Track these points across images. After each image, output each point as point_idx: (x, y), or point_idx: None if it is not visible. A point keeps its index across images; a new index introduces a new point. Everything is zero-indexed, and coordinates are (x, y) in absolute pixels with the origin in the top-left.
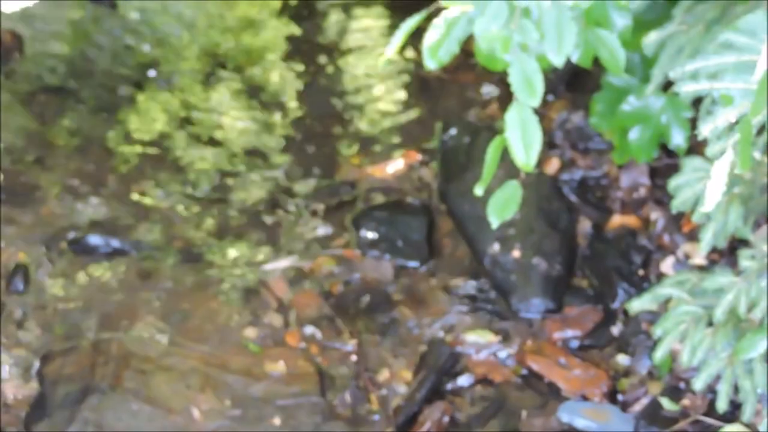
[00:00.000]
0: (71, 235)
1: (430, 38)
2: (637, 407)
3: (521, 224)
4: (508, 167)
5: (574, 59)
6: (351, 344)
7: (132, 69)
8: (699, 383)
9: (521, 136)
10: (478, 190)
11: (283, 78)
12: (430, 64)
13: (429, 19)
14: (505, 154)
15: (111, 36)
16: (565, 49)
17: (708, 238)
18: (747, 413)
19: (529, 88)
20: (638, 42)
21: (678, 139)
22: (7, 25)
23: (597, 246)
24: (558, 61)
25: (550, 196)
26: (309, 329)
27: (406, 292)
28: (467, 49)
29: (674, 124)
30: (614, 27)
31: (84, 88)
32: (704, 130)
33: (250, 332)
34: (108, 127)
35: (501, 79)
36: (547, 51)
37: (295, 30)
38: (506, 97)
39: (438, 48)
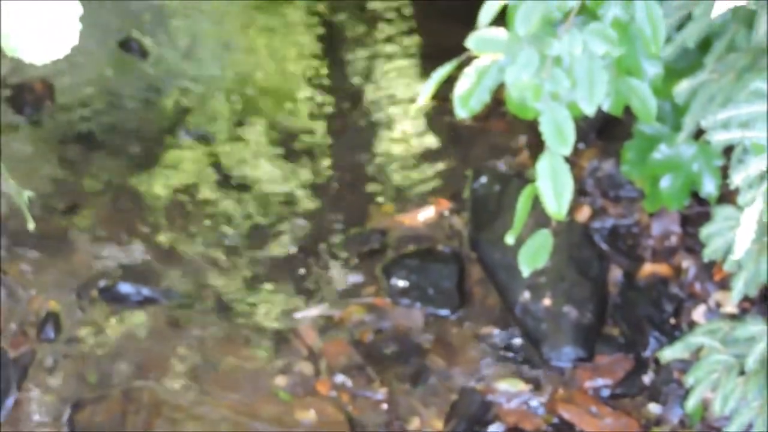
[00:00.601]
0: (102, 283)
1: (461, 87)
2: None
3: (552, 272)
4: (538, 215)
5: (606, 108)
6: (381, 393)
7: (162, 117)
8: None
9: (552, 185)
10: (510, 239)
11: (312, 125)
12: (462, 113)
13: (460, 67)
14: (535, 203)
15: (141, 84)
16: (596, 98)
17: (739, 287)
18: None
19: (560, 137)
20: (669, 90)
21: (709, 187)
22: (38, 73)
23: (628, 294)
24: (589, 110)
25: (580, 244)
26: (339, 378)
27: (436, 341)
28: (498, 97)
29: (706, 172)
30: (645, 75)
31: (114, 137)
32: (736, 178)
33: (281, 381)
34: (138, 175)
35: (531, 127)
36: (579, 100)
37: (325, 77)
38: (537, 145)
39: (469, 97)
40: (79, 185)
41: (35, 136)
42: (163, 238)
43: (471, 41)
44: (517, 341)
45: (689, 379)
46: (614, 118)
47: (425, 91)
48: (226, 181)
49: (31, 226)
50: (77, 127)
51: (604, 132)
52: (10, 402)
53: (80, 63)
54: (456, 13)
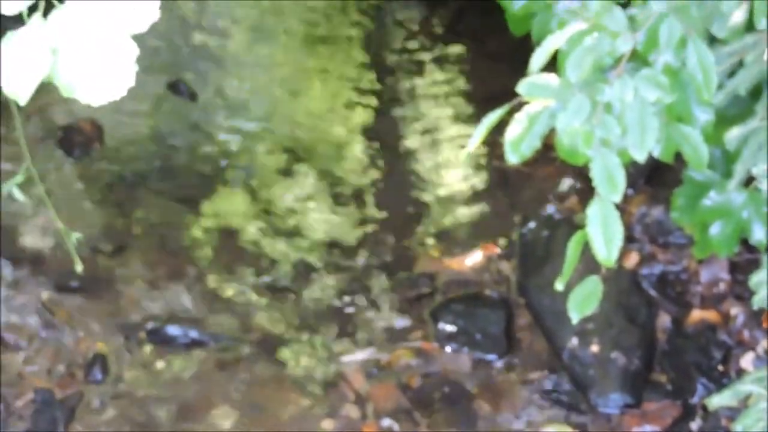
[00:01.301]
0: (150, 325)
1: (512, 133)
2: None
3: (600, 318)
4: (587, 261)
5: (656, 154)
6: None
7: (210, 160)
8: None
9: (602, 232)
10: (559, 286)
11: (359, 168)
12: (512, 158)
13: (510, 112)
14: (584, 248)
15: (190, 127)
16: (647, 144)
17: None
18: None
19: (610, 184)
20: (720, 137)
21: (759, 234)
22: (87, 114)
23: (676, 341)
24: (640, 157)
25: (629, 290)
26: (386, 422)
27: (484, 386)
28: (546, 141)
29: (756, 219)
30: (696, 122)
31: (162, 179)
32: None
33: (328, 424)
34: (186, 217)
35: (580, 172)
36: (630, 146)
37: (373, 121)
38: (585, 190)
39: (520, 143)
40: (126, 227)
41: (84, 177)
42: (210, 280)
43: (522, 87)
44: (565, 387)
45: (737, 427)
46: (663, 163)
47: (476, 136)
48: (274, 224)
49: (79, 268)
50: (125, 168)
51: (654, 178)
52: None
53: (129, 104)
54: (505, 56)
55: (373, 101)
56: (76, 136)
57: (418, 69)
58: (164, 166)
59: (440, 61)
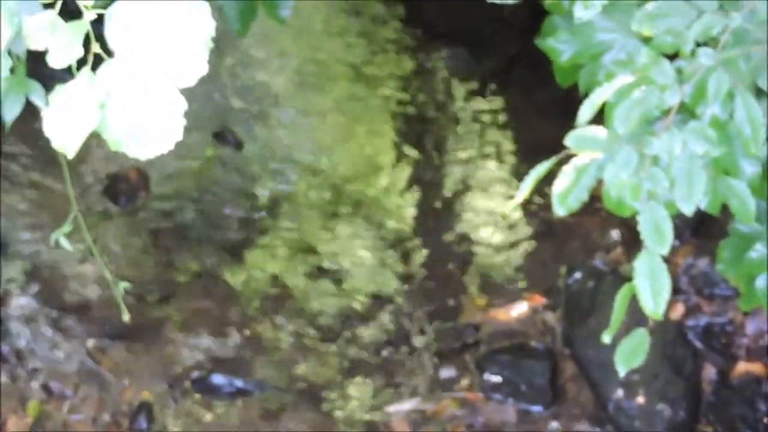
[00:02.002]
0: (195, 374)
1: (559, 185)
2: None
3: (646, 370)
4: (633, 312)
5: (703, 206)
6: None
7: (255, 208)
8: None
9: (650, 285)
10: (606, 338)
11: (404, 216)
12: (560, 211)
13: (558, 164)
14: (631, 300)
15: (235, 175)
16: (695, 197)
17: None
18: None
19: (658, 237)
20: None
21: None
22: (133, 163)
23: (722, 392)
24: (688, 210)
25: (674, 341)
26: None
27: None
28: (593, 192)
29: None
30: (744, 175)
31: (208, 228)
32: None
33: None
34: (230, 265)
35: (625, 223)
36: (677, 199)
37: (418, 170)
38: (631, 242)
39: (568, 195)
40: (171, 275)
41: (130, 225)
42: (255, 328)
43: (570, 139)
44: None
45: None
46: (709, 215)
47: (523, 188)
48: (318, 271)
49: (126, 317)
50: (171, 217)
51: (700, 229)
52: None
53: (175, 152)
54: (552, 107)
55: (418, 151)
56: (122, 184)
57: (465, 118)
58: (209, 215)
59: (487, 111)
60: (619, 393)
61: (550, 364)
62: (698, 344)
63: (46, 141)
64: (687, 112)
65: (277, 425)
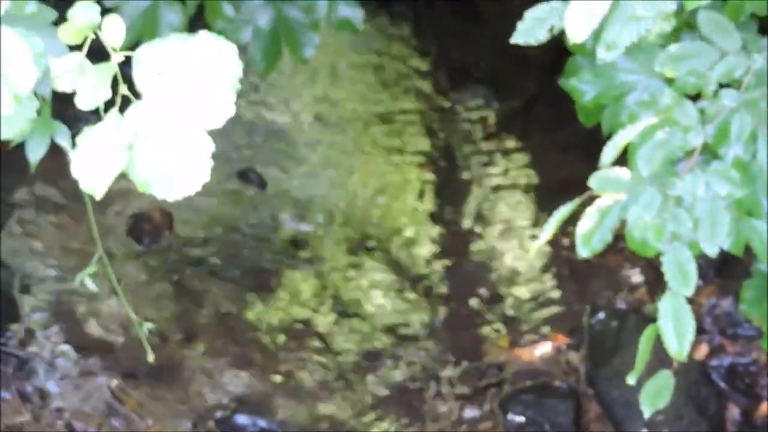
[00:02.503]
0: (218, 414)
1: (583, 226)
2: None
3: (669, 410)
4: (657, 353)
5: (726, 247)
6: None
7: (278, 247)
8: None
9: (674, 326)
10: (631, 380)
11: (428, 256)
12: (583, 252)
13: (581, 205)
14: (654, 340)
15: (259, 215)
16: (718, 238)
17: None
18: None
19: (682, 278)
20: None
21: None
22: (157, 203)
23: None
24: (711, 251)
25: (698, 381)
26: None
27: None
28: (616, 232)
29: None
30: (766, 216)
31: (231, 267)
32: None
33: None
34: (254, 304)
35: (648, 263)
36: (701, 240)
37: (441, 209)
38: (654, 281)
39: (591, 236)
40: (195, 315)
41: (153, 265)
42: (278, 367)
43: (593, 181)
44: None
45: None
46: (733, 255)
47: (547, 230)
48: (341, 311)
49: (150, 358)
50: (194, 256)
51: (723, 270)
52: None
53: (199, 192)
54: (576, 147)
55: (442, 190)
56: (146, 224)
57: (487, 158)
58: (233, 254)
59: (510, 151)
60: None
61: (573, 404)
62: (722, 384)
63: (71, 181)
64: (710, 152)
65: None
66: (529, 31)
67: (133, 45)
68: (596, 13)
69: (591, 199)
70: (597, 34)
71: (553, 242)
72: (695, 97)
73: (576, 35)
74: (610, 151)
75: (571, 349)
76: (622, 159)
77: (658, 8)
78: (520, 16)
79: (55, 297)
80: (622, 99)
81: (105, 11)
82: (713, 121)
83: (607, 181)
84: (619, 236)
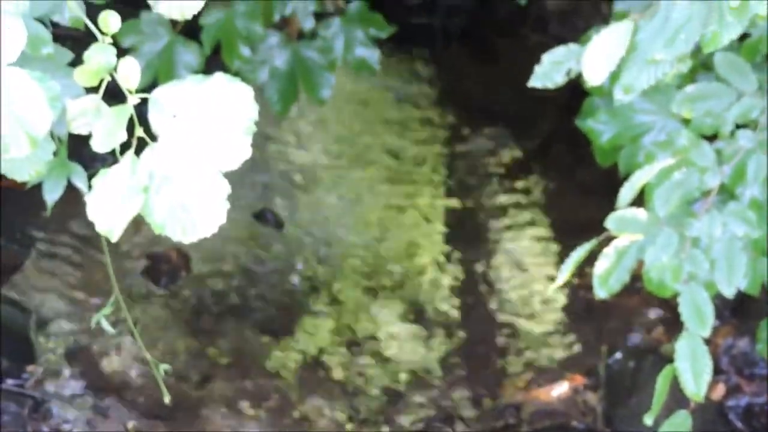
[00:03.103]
0: None
1: (600, 267)
2: None
3: None
4: (674, 393)
5: (743, 287)
6: None
7: (295, 288)
8: None
9: (691, 366)
10: (648, 420)
11: (445, 297)
12: (601, 293)
13: (598, 245)
14: (671, 380)
15: (276, 256)
16: (735, 279)
17: None
18: None
19: (699, 318)
20: None
21: None
22: (174, 243)
23: None
24: (728, 292)
25: (715, 421)
26: None
27: None
28: (633, 272)
29: None
30: None
31: (248, 308)
32: None
33: None
34: (270, 346)
35: (665, 303)
36: (718, 281)
37: (459, 250)
38: (671, 321)
39: (609, 277)
40: (212, 356)
41: (170, 306)
42: (295, 409)
43: (611, 222)
44: None
45: None
46: (750, 295)
47: (565, 270)
48: (358, 352)
49: (167, 399)
50: (211, 297)
51: (739, 309)
52: None
53: (216, 233)
54: (593, 187)
55: (458, 230)
56: (162, 265)
57: (505, 199)
58: (250, 295)
59: (526, 191)
60: None
61: None
62: (739, 424)
63: (88, 222)
64: (727, 193)
65: None
66: (547, 74)
67: (149, 85)
68: (614, 56)
69: (608, 240)
70: (614, 76)
71: (571, 282)
72: (712, 138)
73: (593, 79)
74: (627, 192)
75: (589, 389)
76: (640, 199)
77: (676, 51)
78: (536, 57)
79: (71, 337)
80: (639, 139)
81: (121, 52)
82: (730, 162)
83: (625, 222)
84: (636, 276)
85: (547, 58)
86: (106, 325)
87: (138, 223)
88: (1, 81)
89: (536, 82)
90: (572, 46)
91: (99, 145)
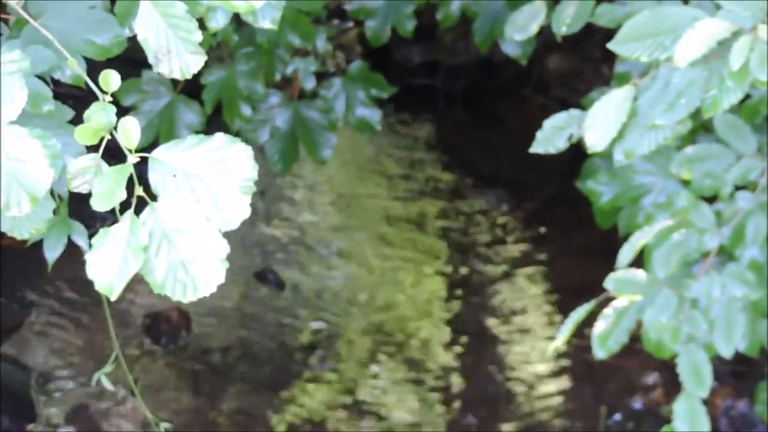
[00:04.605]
0: None
1: (599, 328)
2: None
3: None
4: None
5: (741, 348)
6: None
7: (296, 347)
8: None
9: (689, 428)
10: None
11: (445, 357)
12: (600, 353)
13: (597, 306)
14: None
15: (277, 316)
16: (734, 340)
17: None
18: None
19: (697, 380)
20: None
21: None
22: (174, 302)
23: None
24: (727, 353)
25: None
26: None
27: None
28: (632, 333)
29: None
30: None
31: (248, 367)
32: None
33: None
34: (271, 404)
35: (664, 364)
36: (716, 342)
37: (457, 310)
38: (671, 383)
39: (608, 337)
40: (212, 415)
41: (171, 365)
42: None
43: (610, 282)
44: None
45: None
46: (748, 357)
47: (564, 331)
48: (359, 411)
49: None
50: (212, 356)
51: (738, 371)
52: None
53: (217, 293)
54: (592, 249)
55: (458, 291)
56: (163, 324)
57: (504, 260)
58: (251, 355)
59: (526, 253)
60: None
61: None
62: None
63: (88, 280)
64: (726, 254)
65: None
66: (548, 139)
67: (150, 144)
68: (615, 122)
69: (607, 301)
70: (614, 139)
71: (570, 344)
72: (711, 199)
73: (595, 145)
74: (626, 253)
75: None
76: (639, 260)
77: (677, 116)
78: (538, 119)
79: (72, 396)
80: (638, 200)
81: (122, 110)
82: (729, 223)
83: (624, 283)
84: (635, 337)
85: (549, 123)
86: (106, 384)
87: (139, 282)
88: (1, 139)
89: (538, 148)
90: (573, 112)
91: (99, 204)
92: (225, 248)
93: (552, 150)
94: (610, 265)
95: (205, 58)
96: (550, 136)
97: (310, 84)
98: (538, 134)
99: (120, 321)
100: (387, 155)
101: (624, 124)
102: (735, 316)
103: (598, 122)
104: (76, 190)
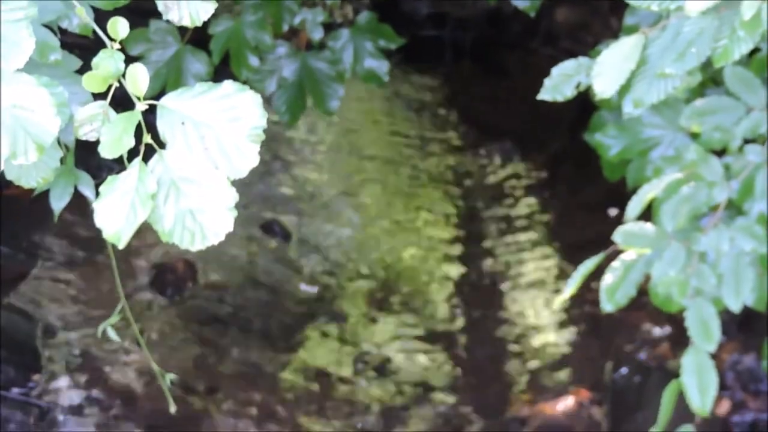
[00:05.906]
0: None
1: (607, 281)
2: None
3: None
4: (679, 408)
5: (749, 302)
6: None
7: (300, 301)
8: None
9: (697, 382)
10: None
11: (451, 312)
12: (607, 306)
13: (605, 260)
14: (677, 396)
15: (282, 267)
16: (742, 294)
17: None
18: None
19: (705, 334)
20: None
21: None
22: (180, 253)
23: None
24: (735, 307)
25: None
26: None
27: None
28: (640, 287)
29: None
30: None
31: (254, 319)
32: None
33: None
34: (276, 357)
35: (672, 318)
36: (725, 296)
37: (465, 266)
38: (677, 337)
39: (615, 291)
40: (218, 366)
41: (176, 316)
42: (300, 420)
43: (618, 235)
44: None
45: None
46: (756, 311)
47: (571, 284)
48: (363, 366)
49: (172, 409)
50: (217, 308)
51: (746, 325)
52: None
53: (223, 243)
54: (600, 203)
55: (466, 246)
56: (169, 275)
57: (513, 215)
58: (256, 307)
59: (535, 206)
60: None
61: None
62: None
63: (95, 230)
64: (735, 208)
65: None
66: (556, 87)
67: (157, 93)
68: (624, 69)
69: (615, 254)
70: (623, 90)
71: (577, 297)
72: (720, 153)
73: (603, 91)
74: (635, 206)
75: (594, 404)
76: (647, 214)
77: (687, 66)
78: (546, 71)
79: (77, 347)
80: (647, 154)
81: (130, 60)
82: (738, 177)
83: (632, 236)
84: (642, 291)
85: (557, 71)
86: (112, 335)
87: (146, 232)
88: (5, 87)
89: (546, 96)
90: (582, 60)
91: (107, 152)
92: (233, 197)
93: (560, 98)
94: (619, 220)
95: (215, 4)
96: (558, 84)
97: (317, 35)
98: (546, 81)
99: (126, 271)
100: (394, 108)
101: (633, 72)
102: (743, 270)
103: (607, 69)
104: (84, 138)
